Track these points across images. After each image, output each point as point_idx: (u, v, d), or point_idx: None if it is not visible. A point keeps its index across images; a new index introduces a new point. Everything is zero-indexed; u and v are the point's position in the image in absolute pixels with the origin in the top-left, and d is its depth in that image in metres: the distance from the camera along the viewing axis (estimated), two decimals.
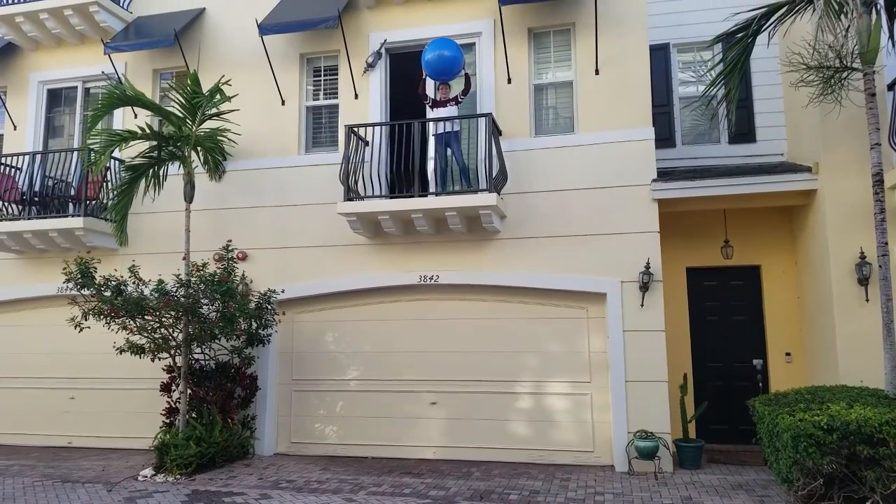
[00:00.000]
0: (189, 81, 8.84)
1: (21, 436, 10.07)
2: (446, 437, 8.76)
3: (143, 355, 8.37)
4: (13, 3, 10.34)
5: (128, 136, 8.69)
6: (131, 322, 8.11)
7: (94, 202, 9.79)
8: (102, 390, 9.80)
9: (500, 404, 8.65)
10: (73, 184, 10.02)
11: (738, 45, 7.70)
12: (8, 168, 9.92)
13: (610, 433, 8.21)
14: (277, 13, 9.55)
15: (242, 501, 6.83)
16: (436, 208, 8.39)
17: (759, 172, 8.51)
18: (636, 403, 8.03)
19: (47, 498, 7.09)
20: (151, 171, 8.99)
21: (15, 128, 10.89)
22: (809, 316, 8.74)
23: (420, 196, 8.58)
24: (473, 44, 9.29)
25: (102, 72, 10.44)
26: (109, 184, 9.90)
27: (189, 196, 8.93)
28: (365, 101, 9.51)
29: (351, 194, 8.62)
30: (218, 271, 8.38)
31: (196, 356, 8.79)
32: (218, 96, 8.90)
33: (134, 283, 8.16)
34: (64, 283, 8.37)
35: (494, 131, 8.42)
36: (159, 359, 8.46)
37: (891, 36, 7.37)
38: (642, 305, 8.22)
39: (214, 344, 8.65)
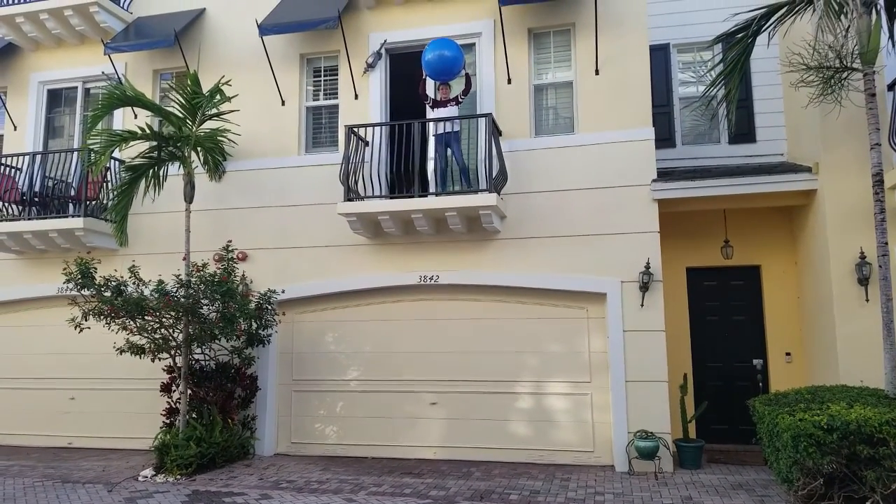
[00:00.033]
0: (189, 82, 8.85)
1: (21, 436, 10.07)
2: (446, 438, 8.77)
3: (143, 356, 8.37)
4: (13, 4, 10.35)
5: (128, 137, 8.70)
6: (131, 322, 8.12)
7: (94, 202, 9.79)
8: (102, 391, 9.81)
9: (500, 404, 8.65)
10: (74, 184, 10.03)
11: (738, 45, 7.71)
12: (8, 168, 9.92)
13: (610, 433, 8.21)
14: (277, 13, 9.56)
15: (243, 502, 6.83)
16: (436, 208, 8.39)
17: (760, 172, 8.52)
18: (636, 403, 8.03)
19: (48, 498, 7.09)
20: (151, 171, 8.99)
21: (15, 128, 10.89)
22: (809, 316, 8.74)
23: (420, 196, 8.58)
24: (473, 44, 9.29)
25: (102, 72, 10.44)
26: (109, 184, 9.90)
27: (189, 196, 8.94)
28: (365, 101, 9.52)
29: (351, 194, 8.62)
30: (218, 272, 8.37)
31: (196, 356, 8.79)
32: (218, 96, 8.90)
33: (134, 283, 8.16)
34: (64, 283, 8.37)
35: (494, 131, 8.42)
36: (159, 359, 8.47)
37: (891, 36, 7.37)
38: (642, 305, 8.22)
39: (214, 344, 8.65)
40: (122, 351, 8.31)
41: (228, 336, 8.36)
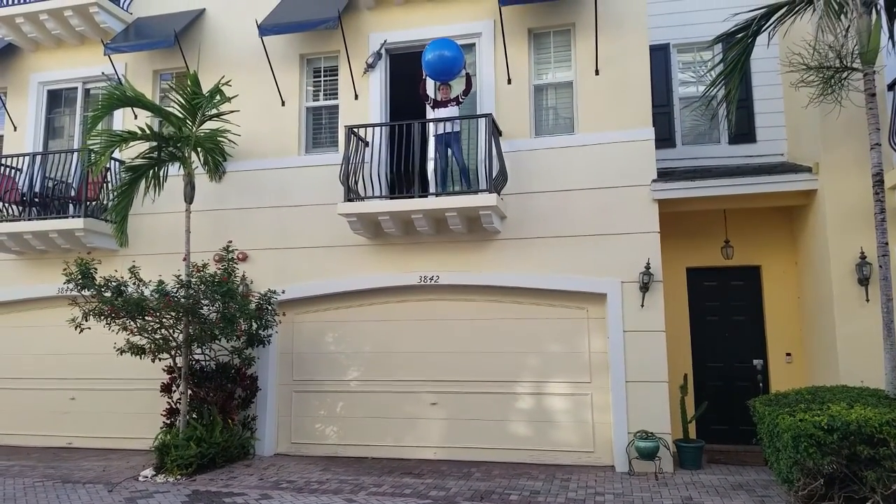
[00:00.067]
0: (189, 82, 8.85)
1: (21, 436, 10.08)
2: (446, 438, 8.77)
3: (143, 356, 8.37)
4: (13, 4, 10.35)
5: (128, 137, 8.70)
6: (131, 323, 8.12)
7: (94, 203, 9.79)
8: (103, 391, 9.81)
9: (500, 405, 8.65)
10: (74, 185, 10.03)
11: (738, 45, 7.71)
12: (8, 169, 9.92)
13: (610, 433, 8.21)
14: (277, 14, 9.56)
15: (243, 502, 6.83)
16: (436, 209, 8.39)
17: (760, 172, 8.51)
18: (636, 404, 8.03)
19: (48, 498, 7.09)
20: (151, 171, 9.00)
21: (15, 129, 10.89)
22: (810, 316, 8.74)
23: (420, 196, 8.58)
24: (473, 44, 9.29)
25: (102, 73, 10.44)
26: (109, 185, 9.90)
27: (189, 197, 8.94)
28: (365, 101, 9.51)
29: (351, 195, 8.62)
30: (218, 272, 8.38)
31: (196, 357, 8.79)
32: (218, 97, 8.90)
33: (134, 283, 8.16)
34: (64, 283, 8.38)
35: (494, 132, 8.42)
36: (160, 359, 8.46)
37: (891, 36, 7.37)
38: (642, 306, 8.21)
39: (215, 345, 8.65)
40: (122, 351, 8.31)
41: (229, 336, 8.36)
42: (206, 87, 8.91)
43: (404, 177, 8.75)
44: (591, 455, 8.32)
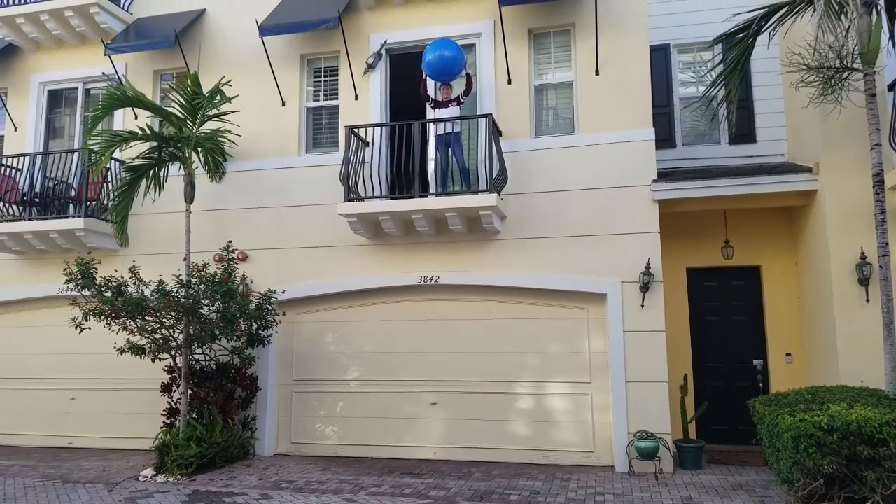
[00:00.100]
0: (189, 82, 8.85)
1: (21, 436, 10.08)
2: (446, 438, 8.77)
3: (143, 356, 8.37)
4: (14, 4, 10.36)
5: (128, 137, 8.71)
6: (132, 323, 8.12)
7: (94, 203, 9.80)
8: (103, 391, 9.81)
9: (500, 405, 8.65)
10: (74, 185, 10.04)
11: (738, 45, 7.71)
12: (8, 169, 9.93)
13: (610, 434, 8.21)
14: (278, 14, 9.56)
15: (243, 502, 6.83)
16: (436, 209, 8.39)
17: (760, 173, 8.52)
18: (636, 404, 8.03)
19: (48, 498, 7.09)
20: (152, 171, 9.00)
21: (16, 129, 10.90)
22: (810, 316, 8.74)
23: (420, 197, 8.58)
24: (474, 44, 9.29)
25: (103, 73, 10.45)
26: (110, 185, 9.91)
27: (189, 197, 8.94)
28: (365, 101, 9.52)
29: (351, 195, 8.62)
30: (218, 272, 8.38)
31: (196, 357, 8.79)
32: (218, 97, 8.90)
33: (134, 283, 8.16)
34: (64, 283, 8.38)
35: (495, 132, 8.43)
36: (160, 359, 8.47)
37: (891, 36, 7.37)
38: (642, 306, 8.21)
39: (215, 344, 8.65)
40: (122, 351, 8.31)
41: (229, 336, 8.36)
42: (206, 88, 8.91)
43: (404, 177, 8.75)
44: (591, 455, 8.32)
